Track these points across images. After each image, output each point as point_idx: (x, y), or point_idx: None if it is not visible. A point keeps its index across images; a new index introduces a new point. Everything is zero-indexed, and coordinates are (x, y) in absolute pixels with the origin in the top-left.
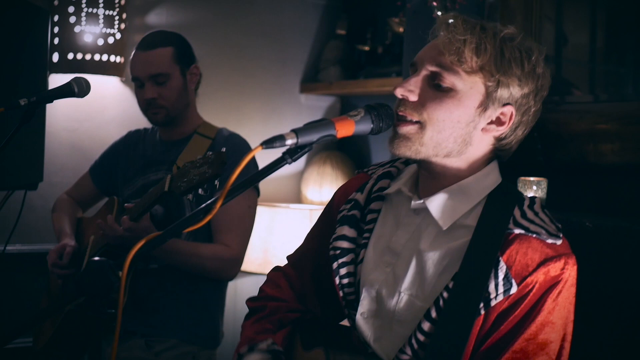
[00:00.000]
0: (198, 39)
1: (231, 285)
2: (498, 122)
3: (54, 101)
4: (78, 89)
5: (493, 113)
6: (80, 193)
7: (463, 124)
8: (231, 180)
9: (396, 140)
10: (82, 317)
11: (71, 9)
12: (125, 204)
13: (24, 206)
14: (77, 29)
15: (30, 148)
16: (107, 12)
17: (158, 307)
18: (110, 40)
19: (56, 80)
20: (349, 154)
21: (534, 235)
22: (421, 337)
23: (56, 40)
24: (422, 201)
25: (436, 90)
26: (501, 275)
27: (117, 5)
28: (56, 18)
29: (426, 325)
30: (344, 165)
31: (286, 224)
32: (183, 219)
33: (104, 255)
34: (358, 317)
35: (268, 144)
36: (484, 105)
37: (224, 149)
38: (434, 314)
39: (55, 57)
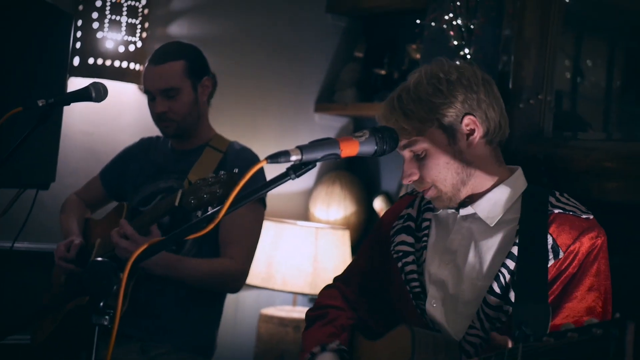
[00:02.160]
0: (217, 53)
1: (232, 298)
2: (470, 132)
3: (72, 104)
4: (95, 94)
5: (461, 132)
6: (89, 195)
7: (452, 161)
8: (235, 191)
9: (433, 203)
10: (82, 317)
11: (95, 15)
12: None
13: (34, 205)
14: (99, 34)
15: (44, 148)
16: (129, 20)
17: (156, 313)
18: (131, 47)
19: (76, 83)
20: (358, 175)
21: (571, 213)
22: (488, 311)
23: (78, 45)
24: (468, 207)
25: (420, 160)
26: (550, 244)
27: (140, 14)
28: (79, 23)
29: (492, 300)
30: (353, 186)
31: (291, 240)
32: (186, 226)
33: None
34: (427, 306)
35: (273, 158)
36: (449, 138)
37: (236, 170)
38: (496, 288)
39: (76, 61)
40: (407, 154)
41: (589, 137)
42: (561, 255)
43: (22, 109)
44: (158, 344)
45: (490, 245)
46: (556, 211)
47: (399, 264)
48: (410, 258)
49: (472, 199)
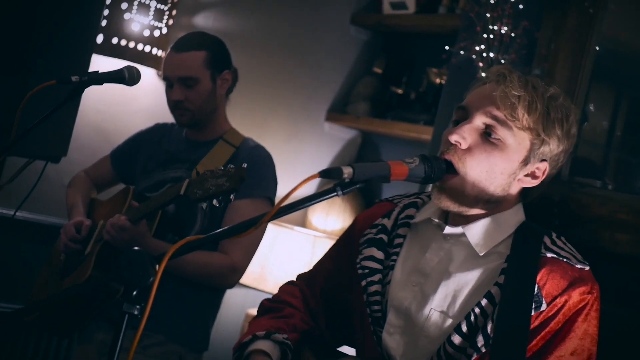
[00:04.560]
0: (238, 49)
1: None
2: (533, 175)
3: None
4: (129, 77)
5: (531, 167)
6: (98, 175)
7: (505, 175)
8: (283, 200)
9: (442, 194)
10: (81, 296)
11: None
12: (132, 202)
13: (41, 177)
14: (126, 16)
15: (61, 122)
16: (158, 6)
17: (153, 303)
18: (156, 33)
19: (96, 61)
20: (361, 189)
21: (565, 260)
22: (450, 350)
23: (104, 23)
24: (459, 228)
25: (486, 141)
26: (534, 292)
27: (169, 0)
28: (108, 1)
29: (457, 339)
30: (354, 199)
31: (288, 245)
32: (227, 228)
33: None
34: (384, 333)
35: (326, 174)
36: (526, 160)
37: (244, 165)
38: (464, 328)
39: (99, 39)
40: (480, 121)
41: (604, 186)
42: (544, 307)
43: (56, 83)
44: (152, 334)
45: (470, 278)
46: (549, 255)
47: (363, 283)
48: (377, 277)
49: (467, 219)
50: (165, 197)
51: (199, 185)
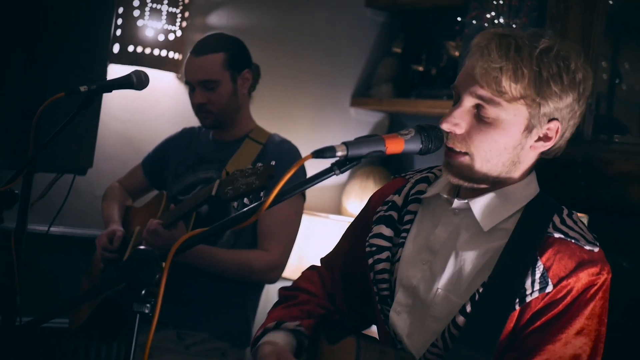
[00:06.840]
0: (255, 44)
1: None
2: (545, 138)
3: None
4: (137, 81)
5: (539, 131)
6: (131, 183)
7: (510, 149)
8: (279, 185)
9: (451, 171)
10: (118, 303)
11: (136, 3)
12: (171, 205)
13: (70, 191)
14: (139, 22)
15: (83, 134)
16: (170, 9)
17: (193, 301)
18: (171, 36)
19: (114, 70)
20: (393, 171)
21: (573, 241)
22: (454, 331)
23: (118, 32)
24: (465, 201)
25: (480, 121)
26: (538, 274)
27: (180, 3)
28: (120, 10)
29: (460, 320)
30: (386, 180)
31: (324, 234)
32: (229, 218)
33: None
34: (392, 312)
35: (319, 153)
36: (529, 128)
37: (273, 162)
38: (469, 308)
39: (116, 49)
40: (469, 102)
41: (627, 141)
42: (549, 288)
43: (65, 95)
44: (194, 332)
45: (476, 256)
46: (556, 235)
47: (370, 261)
48: (384, 254)
49: (477, 192)
50: (197, 199)
51: (230, 185)
